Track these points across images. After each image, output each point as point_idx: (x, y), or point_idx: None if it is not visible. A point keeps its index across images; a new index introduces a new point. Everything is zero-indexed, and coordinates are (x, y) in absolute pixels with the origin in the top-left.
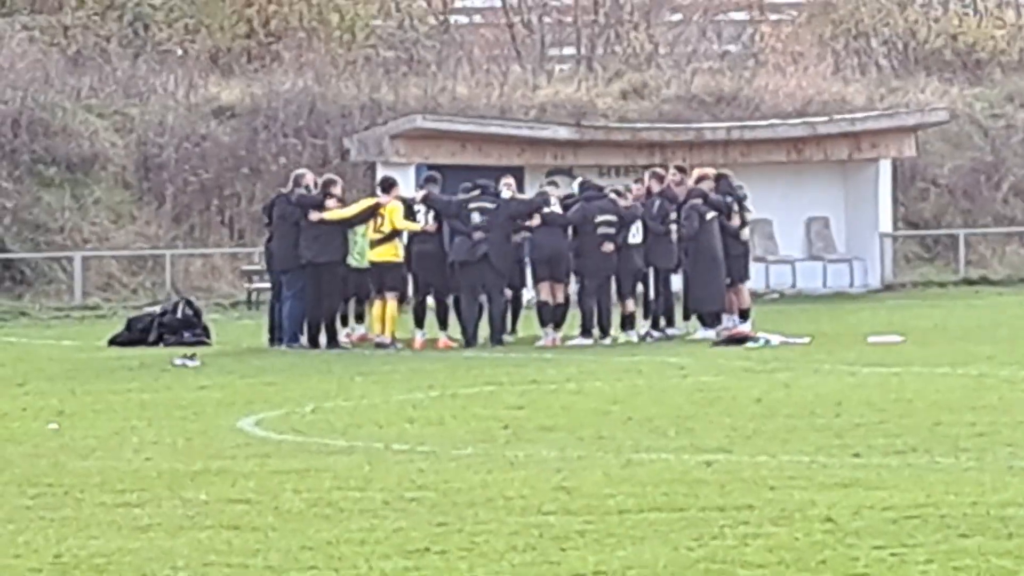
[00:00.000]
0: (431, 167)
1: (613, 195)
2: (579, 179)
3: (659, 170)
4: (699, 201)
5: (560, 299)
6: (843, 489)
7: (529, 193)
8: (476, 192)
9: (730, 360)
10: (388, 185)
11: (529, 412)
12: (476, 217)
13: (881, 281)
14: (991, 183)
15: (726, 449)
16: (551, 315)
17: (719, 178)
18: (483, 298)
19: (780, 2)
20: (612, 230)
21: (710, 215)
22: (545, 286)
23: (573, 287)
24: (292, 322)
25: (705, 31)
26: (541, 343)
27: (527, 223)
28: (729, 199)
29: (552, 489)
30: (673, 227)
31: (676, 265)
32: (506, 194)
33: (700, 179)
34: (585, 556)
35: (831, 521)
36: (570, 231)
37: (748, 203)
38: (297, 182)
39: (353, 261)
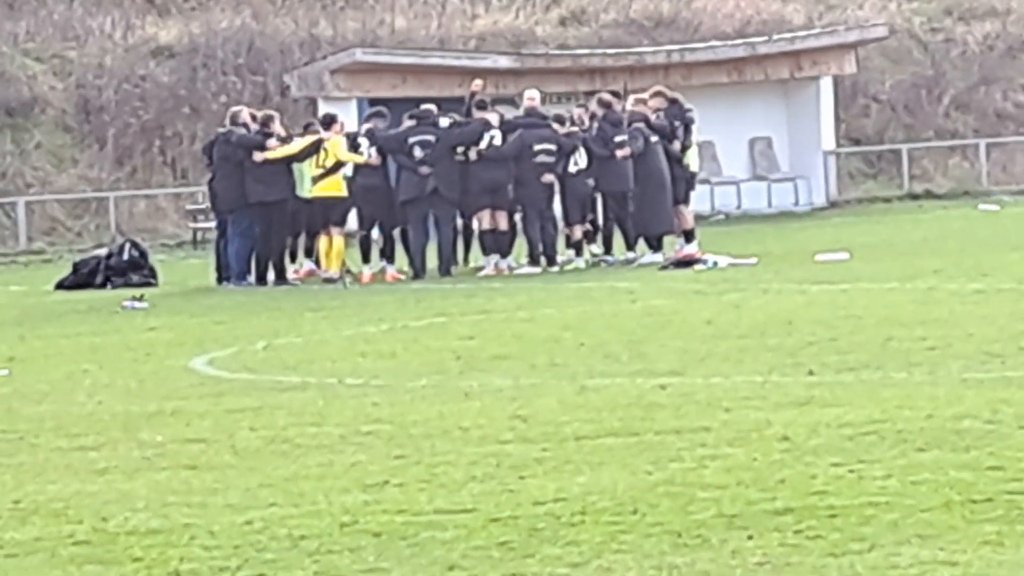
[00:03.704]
0: (372, 101)
1: (555, 123)
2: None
3: (605, 95)
4: (642, 124)
5: (504, 227)
6: (798, 408)
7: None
8: (414, 123)
9: (679, 283)
10: (329, 121)
11: (481, 342)
12: (418, 152)
13: (826, 199)
14: (932, 97)
15: (679, 372)
16: (493, 243)
17: (672, 102)
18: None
19: None
20: (551, 159)
21: (653, 138)
22: (486, 214)
23: (519, 215)
24: (240, 260)
25: None
26: (484, 272)
27: (467, 157)
28: (676, 123)
29: (508, 418)
30: (619, 152)
31: (629, 189)
32: (445, 122)
33: (655, 95)
34: (544, 484)
35: (788, 440)
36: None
37: (694, 127)
38: (234, 119)
39: (303, 192)
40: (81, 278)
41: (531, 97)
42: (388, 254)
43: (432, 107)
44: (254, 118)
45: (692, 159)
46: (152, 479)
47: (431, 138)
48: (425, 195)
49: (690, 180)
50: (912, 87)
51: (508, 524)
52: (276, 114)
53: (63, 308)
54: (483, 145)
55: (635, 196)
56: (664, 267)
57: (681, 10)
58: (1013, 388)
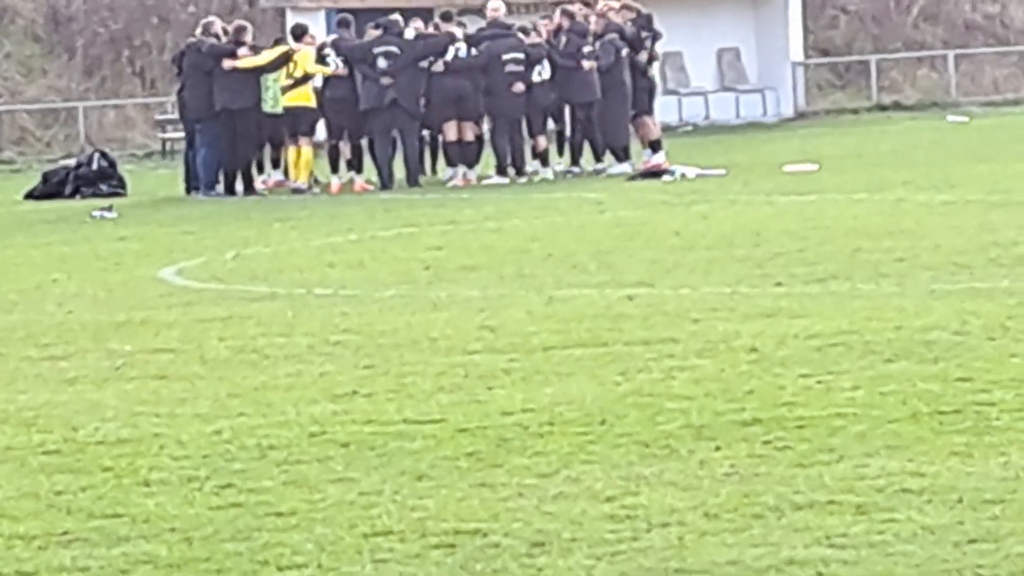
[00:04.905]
0: (341, 11)
1: (520, 33)
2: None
3: (569, 7)
4: (616, 35)
5: (470, 137)
6: (767, 319)
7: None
8: (380, 33)
9: (647, 194)
10: (299, 33)
11: (449, 252)
12: (382, 63)
13: (794, 110)
14: (900, 8)
15: (647, 283)
16: (459, 154)
17: (639, 13)
18: (398, 139)
19: None
20: (520, 68)
21: (624, 51)
22: (452, 125)
23: (487, 126)
24: (208, 170)
25: None
26: (452, 183)
27: (432, 68)
28: (644, 34)
29: (476, 328)
30: (586, 63)
31: (595, 99)
32: (410, 34)
33: (622, 7)
34: (512, 394)
35: (756, 351)
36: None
37: (659, 43)
38: (206, 30)
39: (267, 107)
40: (50, 188)
41: (495, 8)
42: (356, 165)
43: (398, 18)
44: (226, 32)
45: (655, 70)
46: (121, 389)
47: (395, 49)
48: (384, 105)
49: (652, 90)
50: None
51: (476, 434)
52: (248, 25)
53: (32, 218)
54: (448, 57)
55: (598, 107)
56: (632, 178)
57: None
58: (981, 299)
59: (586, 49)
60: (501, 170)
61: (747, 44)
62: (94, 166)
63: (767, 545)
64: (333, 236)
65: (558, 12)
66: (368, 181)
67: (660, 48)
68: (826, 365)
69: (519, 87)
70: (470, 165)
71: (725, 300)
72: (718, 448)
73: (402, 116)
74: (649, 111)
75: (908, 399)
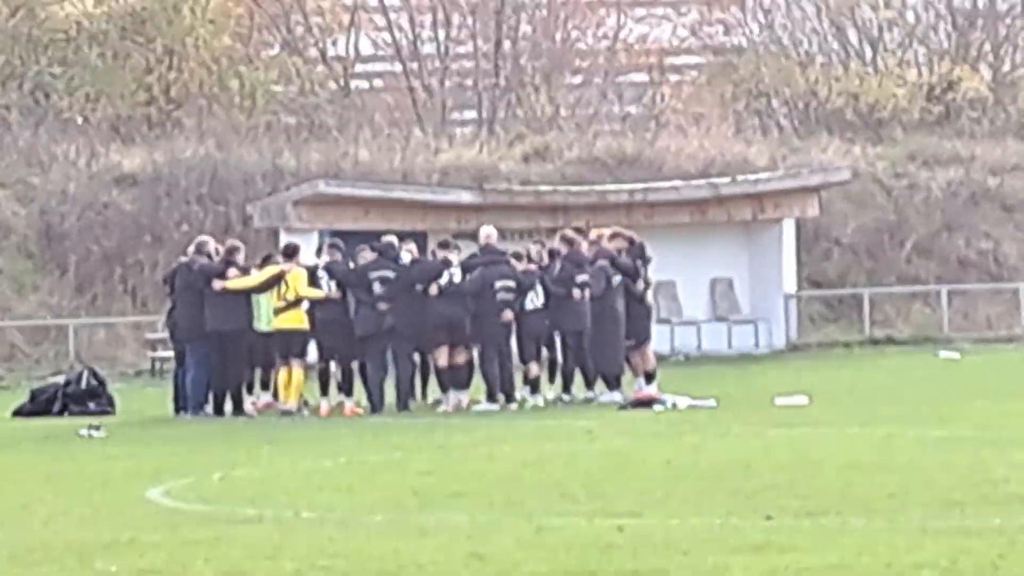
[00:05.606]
0: (334, 233)
1: (513, 260)
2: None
3: (569, 232)
4: (607, 263)
5: (460, 361)
6: (756, 552)
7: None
8: (375, 256)
9: (638, 423)
10: (291, 252)
11: (438, 478)
12: (378, 287)
13: (786, 342)
14: (894, 242)
15: (637, 513)
16: (450, 379)
17: (632, 242)
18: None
19: (680, 63)
20: (511, 296)
21: (616, 279)
22: (443, 351)
23: (476, 351)
24: (197, 390)
25: (606, 93)
26: (443, 408)
27: (427, 291)
28: (638, 262)
29: (464, 556)
30: (576, 291)
31: (585, 328)
32: (406, 258)
33: (614, 236)
34: None
35: None
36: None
37: (650, 267)
38: (199, 249)
39: (260, 324)
40: (39, 405)
41: (488, 234)
42: (346, 388)
43: (394, 241)
44: (219, 252)
45: (650, 296)
46: None
47: (391, 274)
48: (382, 331)
49: (649, 317)
50: (875, 231)
51: None
52: (240, 245)
53: (19, 435)
54: (443, 282)
55: (590, 335)
56: (623, 407)
57: (644, 149)
58: (972, 538)
59: (579, 278)
60: (491, 396)
61: (740, 275)
62: (83, 384)
63: None
64: (322, 459)
65: (557, 237)
66: (358, 404)
67: (653, 275)
68: None
69: (507, 316)
70: (461, 388)
71: (715, 532)
72: None
73: (398, 339)
74: (648, 339)
75: None
